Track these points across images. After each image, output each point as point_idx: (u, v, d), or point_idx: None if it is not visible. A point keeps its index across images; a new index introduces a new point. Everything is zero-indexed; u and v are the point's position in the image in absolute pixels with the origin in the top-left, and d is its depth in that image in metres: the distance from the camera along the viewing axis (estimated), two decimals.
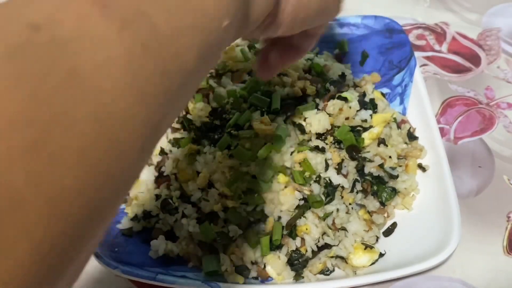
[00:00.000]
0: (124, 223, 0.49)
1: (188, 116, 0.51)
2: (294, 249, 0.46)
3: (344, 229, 0.47)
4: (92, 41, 0.18)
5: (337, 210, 0.47)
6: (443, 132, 0.56)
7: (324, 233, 0.46)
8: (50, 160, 0.16)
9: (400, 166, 0.51)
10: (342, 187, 0.47)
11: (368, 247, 0.46)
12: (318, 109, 0.50)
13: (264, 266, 0.46)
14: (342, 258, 0.46)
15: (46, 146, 0.16)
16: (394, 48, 0.60)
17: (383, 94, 0.57)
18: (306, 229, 0.45)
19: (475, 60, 0.64)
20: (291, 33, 0.33)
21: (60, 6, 0.18)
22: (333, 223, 0.47)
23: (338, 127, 0.50)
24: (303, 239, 0.46)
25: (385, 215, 0.49)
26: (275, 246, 0.45)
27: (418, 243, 0.47)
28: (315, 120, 0.49)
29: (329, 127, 0.49)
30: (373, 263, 0.46)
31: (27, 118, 0.15)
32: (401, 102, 0.57)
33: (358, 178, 0.49)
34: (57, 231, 0.16)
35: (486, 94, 0.60)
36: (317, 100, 0.52)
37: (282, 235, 0.45)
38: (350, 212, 0.47)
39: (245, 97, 0.51)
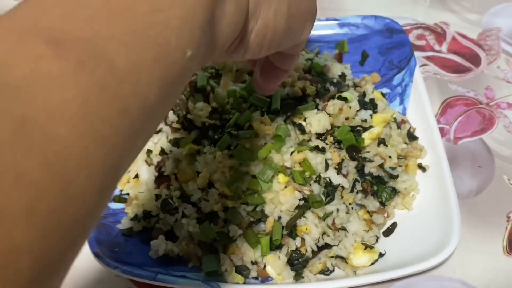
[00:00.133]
0: (124, 223, 0.49)
1: (188, 116, 0.51)
2: (294, 249, 0.46)
3: (344, 229, 0.47)
4: (46, 84, 0.17)
5: (337, 210, 0.47)
6: (443, 132, 0.56)
7: (324, 233, 0.46)
8: None
9: (400, 166, 0.51)
10: (342, 187, 0.47)
11: (368, 247, 0.46)
12: (318, 109, 0.50)
13: (264, 266, 0.46)
14: (342, 258, 0.46)
15: None
16: (394, 48, 0.60)
17: (383, 94, 0.57)
18: (306, 229, 0.45)
19: (475, 60, 0.64)
20: (260, 55, 0.32)
21: (13, 48, 0.18)
22: (333, 223, 0.47)
23: (338, 127, 0.50)
24: (303, 239, 0.46)
25: (385, 215, 0.49)
26: (275, 246, 0.45)
27: (418, 243, 0.47)
28: (315, 120, 0.48)
29: (329, 127, 0.49)
30: (373, 263, 0.46)
31: None
32: (401, 102, 0.57)
33: (358, 178, 0.49)
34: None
35: (486, 94, 0.60)
36: (317, 100, 0.52)
37: (282, 235, 0.45)
38: (350, 212, 0.47)
39: (245, 97, 0.51)
